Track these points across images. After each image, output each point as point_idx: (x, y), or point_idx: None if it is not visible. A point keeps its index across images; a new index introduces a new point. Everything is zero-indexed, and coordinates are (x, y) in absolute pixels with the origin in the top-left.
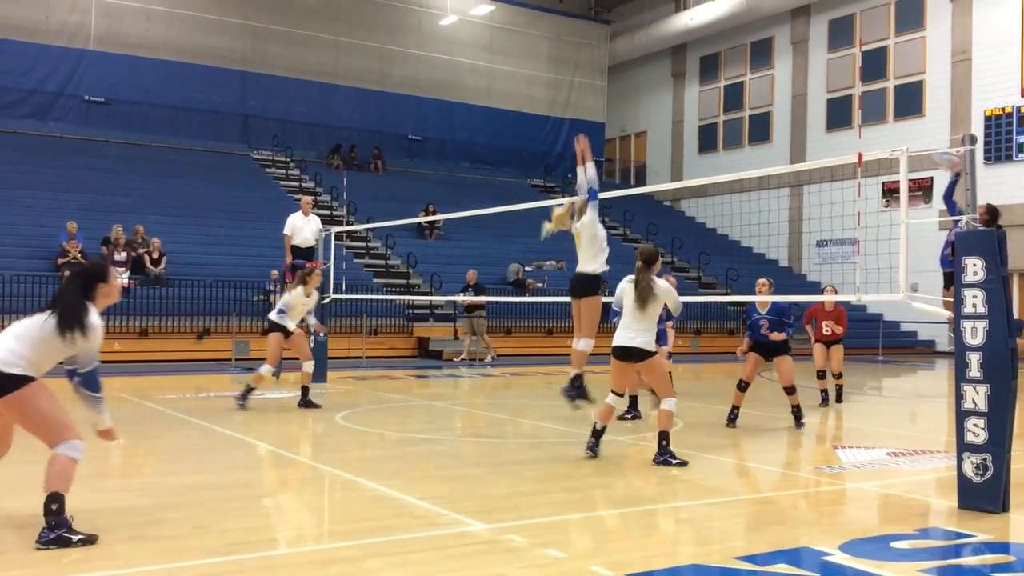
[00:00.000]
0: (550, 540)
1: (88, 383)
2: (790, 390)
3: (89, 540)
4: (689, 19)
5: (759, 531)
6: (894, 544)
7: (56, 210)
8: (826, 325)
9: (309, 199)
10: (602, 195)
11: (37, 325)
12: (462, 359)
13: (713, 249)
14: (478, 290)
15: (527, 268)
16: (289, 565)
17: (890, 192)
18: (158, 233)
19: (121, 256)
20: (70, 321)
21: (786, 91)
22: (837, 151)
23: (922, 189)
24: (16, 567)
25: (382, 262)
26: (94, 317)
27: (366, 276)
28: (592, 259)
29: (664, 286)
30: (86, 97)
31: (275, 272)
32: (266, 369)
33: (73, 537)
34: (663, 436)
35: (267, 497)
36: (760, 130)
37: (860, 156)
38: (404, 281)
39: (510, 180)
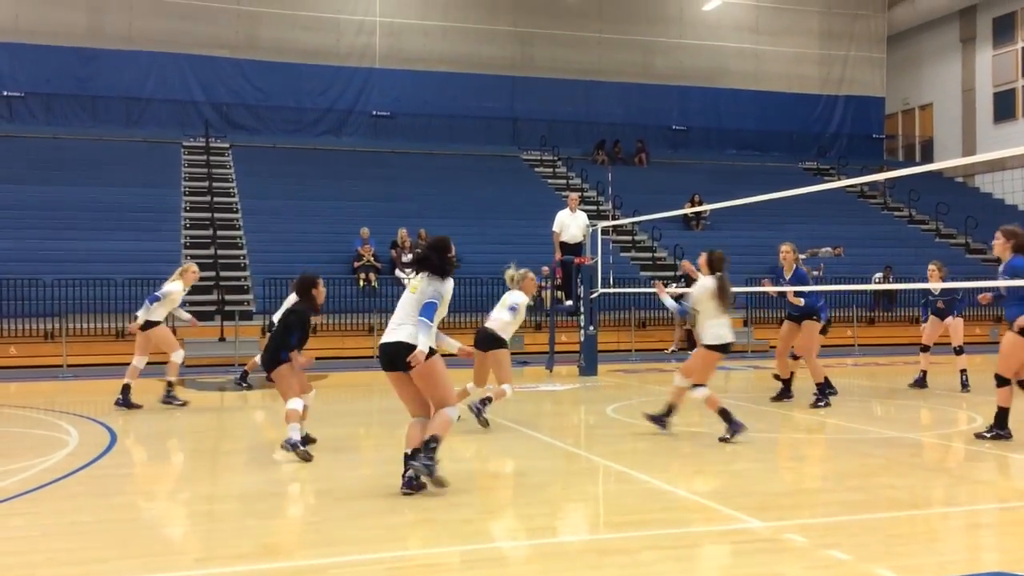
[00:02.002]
0: (834, 541)
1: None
2: (958, 350)
3: (439, 482)
4: None
5: None
6: None
7: (351, 217)
8: None
9: (575, 196)
10: (887, 174)
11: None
12: (672, 351)
13: None
14: (690, 281)
15: (801, 256)
16: (568, 553)
17: None
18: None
19: (408, 258)
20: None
21: None
22: None
23: None
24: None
25: (649, 255)
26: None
27: (632, 269)
28: None
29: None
30: (374, 112)
31: (546, 268)
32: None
33: (434, 470)
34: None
35: (545, 487)
36: None
37: None
38: (671, 273)
39: (780, 165)
